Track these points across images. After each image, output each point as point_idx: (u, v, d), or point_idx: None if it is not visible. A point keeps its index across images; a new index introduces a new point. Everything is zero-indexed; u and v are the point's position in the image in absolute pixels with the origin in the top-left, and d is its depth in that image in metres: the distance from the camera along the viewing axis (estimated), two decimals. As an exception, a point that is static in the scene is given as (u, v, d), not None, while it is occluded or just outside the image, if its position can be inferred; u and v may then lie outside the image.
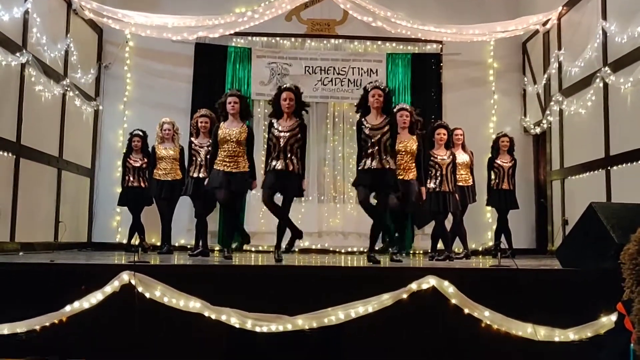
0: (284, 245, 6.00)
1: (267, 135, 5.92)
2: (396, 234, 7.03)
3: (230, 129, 6.09)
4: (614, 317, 4.09)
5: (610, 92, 7.39)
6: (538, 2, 9.11)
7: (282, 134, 5.72)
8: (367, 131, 5.69)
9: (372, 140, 5.65)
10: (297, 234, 5.94)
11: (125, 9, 8.78)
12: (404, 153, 6.52)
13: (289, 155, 5.71)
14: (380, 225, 5.93)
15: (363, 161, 5.70)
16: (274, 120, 5.84)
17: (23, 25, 7.18)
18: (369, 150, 5.66)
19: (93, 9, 8.69)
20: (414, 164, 6.61)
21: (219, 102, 6.26)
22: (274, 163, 5.73)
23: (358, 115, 5.90)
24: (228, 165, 6.05)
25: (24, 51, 7.13)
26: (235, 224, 6.61)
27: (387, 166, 5.67)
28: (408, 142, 6.59)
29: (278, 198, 5.93)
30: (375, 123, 5.71)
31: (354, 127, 6.06)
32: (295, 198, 5.94)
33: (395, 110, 6.47)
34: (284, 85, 5.96)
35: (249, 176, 6.18)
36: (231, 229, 6.40)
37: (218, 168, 6.06)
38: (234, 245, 6.13)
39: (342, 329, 4.41)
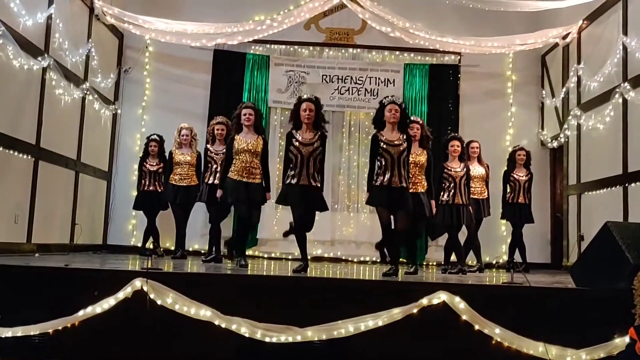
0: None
1: (285, 146, 5.83)
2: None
3: (245, 140, 6.11)
4: (627, 339, 4.05)
5: (630, 108, 7.32)
6: (558, 16, 9.06)
7: (302, 146, 5.66)
8: (384, 146, 5.63)
9: (391, 155, 5.60)
10: (305, 265, 5.80)
11: (146, 15, 8.89)
12: (412, 165, 6.40)
13: (311, 170, 5.64)
14: (394, 244, 5.89)
15: (379, 177, 5.63)
16: (293, 131, 5.77)
17: (46, 30, 7.30)
18: (386, 166, 5.60)
19: (114, 15, 8.81)
20: (423, 177, 6.52)
21: (234, 114, 6.29)
22: (296, 178, 5.63)
23: (374, 129, 5.87)
24: (244, 176, 6.05)
25: (46, 55, 7.24)
26: (247, 233, 6.60)
27: (404, 184, 5.64)
28: (418, 155, 6.47)
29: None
30: (392, 139, 5.67)
31: (370, 138, 6.00)
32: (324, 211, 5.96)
33: None
34: (304, 96, 5.88)
35: (263, 188, 6.18)
36: (244, 239, 6.44)
37: (233, 177, 6.06)
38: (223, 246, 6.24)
39: (351, 342, 4.41)
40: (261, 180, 6.14)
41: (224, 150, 6.86)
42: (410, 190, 6.27)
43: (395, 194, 5.61)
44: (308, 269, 5.74)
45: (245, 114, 6.15)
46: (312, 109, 5.69)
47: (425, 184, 6.47)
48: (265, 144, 6.25)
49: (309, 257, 9.02)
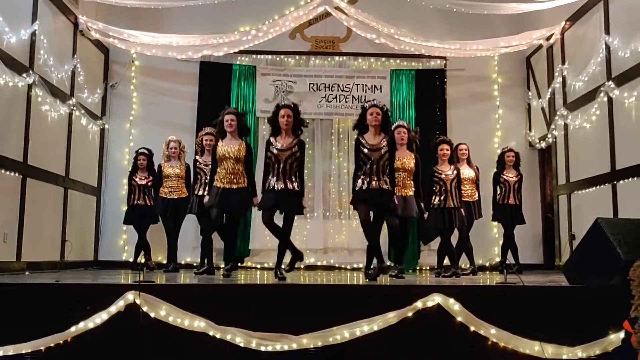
0: (284, 264, 6.01)
1: (264, 152, 5.92)
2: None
3: (228, 146, 6.09)
4: (622, 335, 4.06)
5: (615, 106, 7.39)
6: (541, 17, 9.15)
7: (280, 152, 5.73)
8: (365, 151, 5.72)
9: (371, 160, 5.68)
10: (298, 256, 5.93)
11: (131, 29, 8.88)
12: (401, 170, 6.45)
13: (288, 174, 5.71)
14: (375, 245, 5.92)
15: (360, 181, 5.72)
16: (272, 138, 5.85)
17: (30, 46, 7.27)
18: (367, 171, 5.68)
19: (99, 30, 8.80)
20: (412, 182, 6.58)
21: (217, 120, 6.27)
22: (273, 182, 5.72)
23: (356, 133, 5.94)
24: (227, 182, 6.03)
25: (31, 72, 7.21)
26: (233, 241, 6.56)
27: (385, 187, 5.69)
28: (406, 159, 6.53)
29: (278, 218, 5.92)
30: (374, 143, 5.74)
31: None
32: (298, 215, 5.96)
33: (393, 127, 6.47)
34: (282, 103, 6.00)
35: (249, 193, 6.16)
36: (231, 247, 6.42)
37: (217, 185, 6.06)
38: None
39: (347, 348, 4.38)
40: (246, 186, 6.12)
41: (214, 161, 6.89)
42: (399, 194, 6.33)
43: (375, 196, 5.68)
44: (301, 256, 5.89)
45: (227, 120, 6.15)
46: (290, 115, 5.79)
47: (414, 188, 6.54)
48: (249, 149, 6.22)
49: (302, 266, 9.19)
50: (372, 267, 5.93)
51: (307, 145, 9.46)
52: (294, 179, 5.73)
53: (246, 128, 6.38)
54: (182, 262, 8.67)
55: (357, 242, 9.45)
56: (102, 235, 9.50)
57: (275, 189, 5.69)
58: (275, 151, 5.74)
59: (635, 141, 6.88)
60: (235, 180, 6.05)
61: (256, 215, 9.36)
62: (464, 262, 7.71)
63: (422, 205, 6.71)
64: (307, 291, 4.89)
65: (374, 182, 5.66)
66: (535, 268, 9.19)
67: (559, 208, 9.11)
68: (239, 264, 7.88)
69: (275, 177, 5.71)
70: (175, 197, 7.62)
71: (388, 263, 7.84)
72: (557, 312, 4.56)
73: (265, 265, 9.42)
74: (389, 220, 5.83)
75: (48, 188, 7.89)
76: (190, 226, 8.42)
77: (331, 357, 4.39)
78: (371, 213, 5.88)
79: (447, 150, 6.96)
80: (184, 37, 8.92)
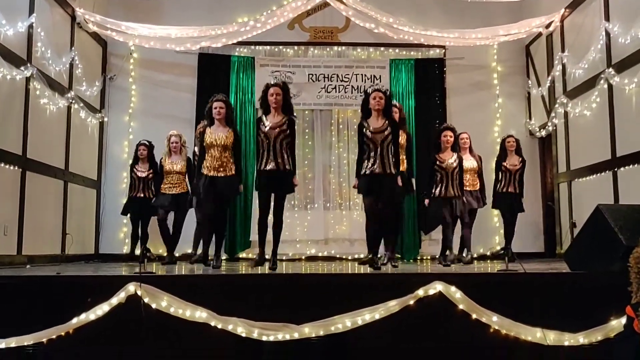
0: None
1: (255, 132, 5.88)
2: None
3: (216, 134, 6.04)
4: (624, 320, 4.06)
5: (615, 93, 7.36)
6: (540, 5, 9.10)
7: (270, 130, 5.69)
8: (369, 134, 5.71)
9: (374, 143, 5.68)
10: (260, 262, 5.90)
11: (129, 21, 8.84)
12: None
13: (279, 152, 5.67)
14: (387, 231, 5.92)
15: (364, 164, 5.73)
16: (262, 117, 5.82)
17: (27, 39, 7.24)
18: (371, 154, 5.69)
19: (97, 22, 8.76)
20: (404, 156, 6.61)
21: (207, 107, 6.22)
22: (265, 163, 5.69)
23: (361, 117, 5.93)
24: (214, 169, 5.99)
25: (29, 65, 7.18)
26: (223, 231, 6.52)
27: (389, 170, 5.68)
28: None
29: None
30: (377, 126, 5.74)
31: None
32: (289, 194, 5.96)
33: None
34: (272, 82, 5.95)
35: (236, 180, 6.11)
36: (221, 238, 6.39)
37: (204, 172, 6.02)
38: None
39: (349, 337, 4.38)
40: (234, 173, 6.07)
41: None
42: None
43: (378, 181, 5.66)
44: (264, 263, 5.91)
45: (216, 107, 6.10)
46: (280, 93, 5.74)
47: (406, 162, 6.55)
48: (237, 137, 6.15)
49: (303, 257, 9.20)
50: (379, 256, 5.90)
51: (307, 136, 9.59)
52: (285, 157, 5.70)
53: (232, 117, 6.33)
54: (180, 254, 8.63)
55: (358, 232, 9.44)
56: (103, 228, 9.48)
57: (267, 169, 5.66)
58: (265, 129, 5.71)
59: (636, 128, 6.86)
60: (222, 168, 6.00)
61: (257, 207, 9.34)
62: (464, 250, 7.69)
63: (412, 181, 6.68)
64: (308, 281, 4.89)
65: (377, 167, 5.65)
66: (537, 256, 9.18)
67: (559, 196, 9.10)
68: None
69: (266, 157, 5.68)
70: (176, 192, 7.60)
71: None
72: (558, 299, 4.56)
73: (266, 256, 9.39)
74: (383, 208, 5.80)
75: (48, 181, 7.88)
76: (189, 219, 8.38)
77: (333, 346, 4.40)
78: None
79: (451, 137, 6.94)
80: (182, 29, 8.88)
